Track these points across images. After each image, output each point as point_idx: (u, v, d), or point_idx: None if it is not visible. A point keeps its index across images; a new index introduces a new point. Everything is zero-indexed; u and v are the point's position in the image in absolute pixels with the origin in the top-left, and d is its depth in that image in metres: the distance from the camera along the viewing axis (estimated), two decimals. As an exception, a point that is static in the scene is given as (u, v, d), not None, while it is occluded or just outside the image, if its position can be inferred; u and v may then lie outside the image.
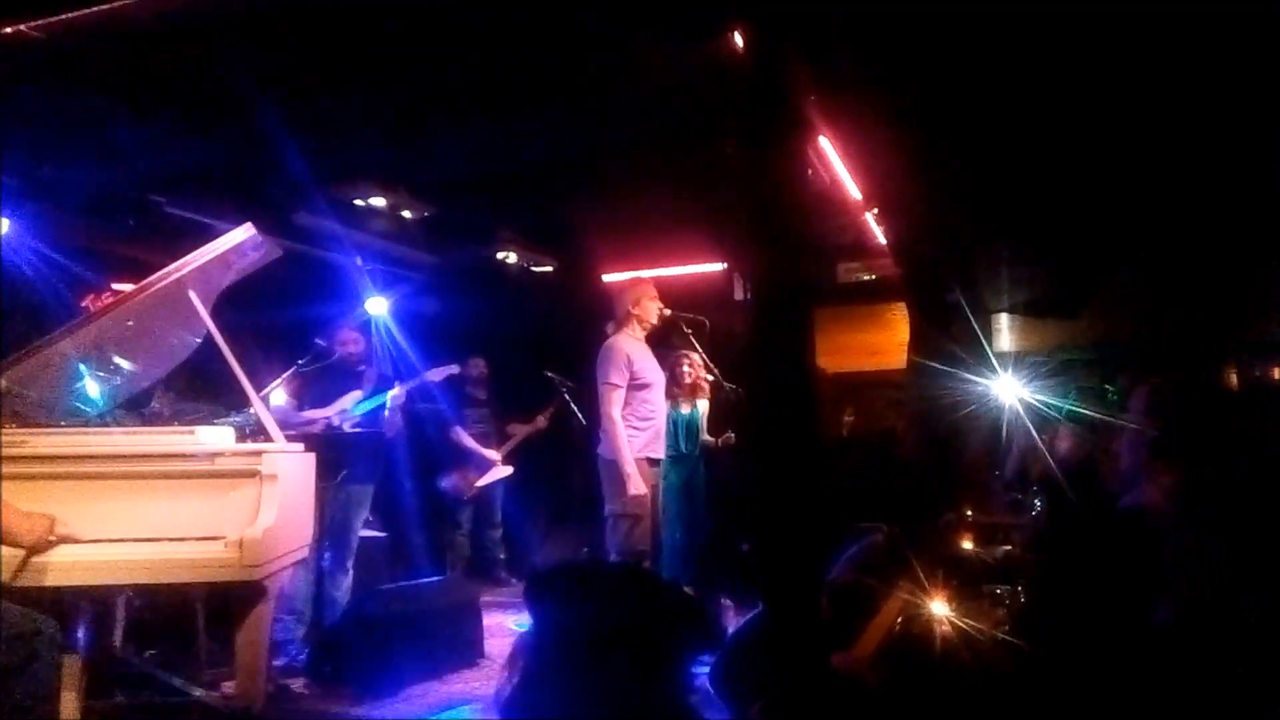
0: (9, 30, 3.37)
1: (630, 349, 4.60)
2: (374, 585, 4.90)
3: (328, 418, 4.79)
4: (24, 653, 2.55)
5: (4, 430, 3.06)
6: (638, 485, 4.40)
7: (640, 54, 3.89)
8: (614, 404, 4.48)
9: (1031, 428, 4.72)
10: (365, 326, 5.62)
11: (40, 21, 3.36)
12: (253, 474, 3.19)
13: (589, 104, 4.57)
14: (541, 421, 6.76)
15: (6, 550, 2.81)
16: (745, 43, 3.20)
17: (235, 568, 3.03)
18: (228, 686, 3.68)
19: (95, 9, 3.25)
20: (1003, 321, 6.79)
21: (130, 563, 2.99)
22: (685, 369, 5.57)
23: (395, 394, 5.08)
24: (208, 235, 3.74)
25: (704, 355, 5.13)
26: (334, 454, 4.40)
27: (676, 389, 5.49)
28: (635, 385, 4.57)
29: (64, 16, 3.31)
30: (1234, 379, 5.69)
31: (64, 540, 2.92)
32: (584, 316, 5.85)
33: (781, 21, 3.06)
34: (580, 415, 6.19)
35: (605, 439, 4.52)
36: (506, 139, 5.00)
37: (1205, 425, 2.42)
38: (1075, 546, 2.58)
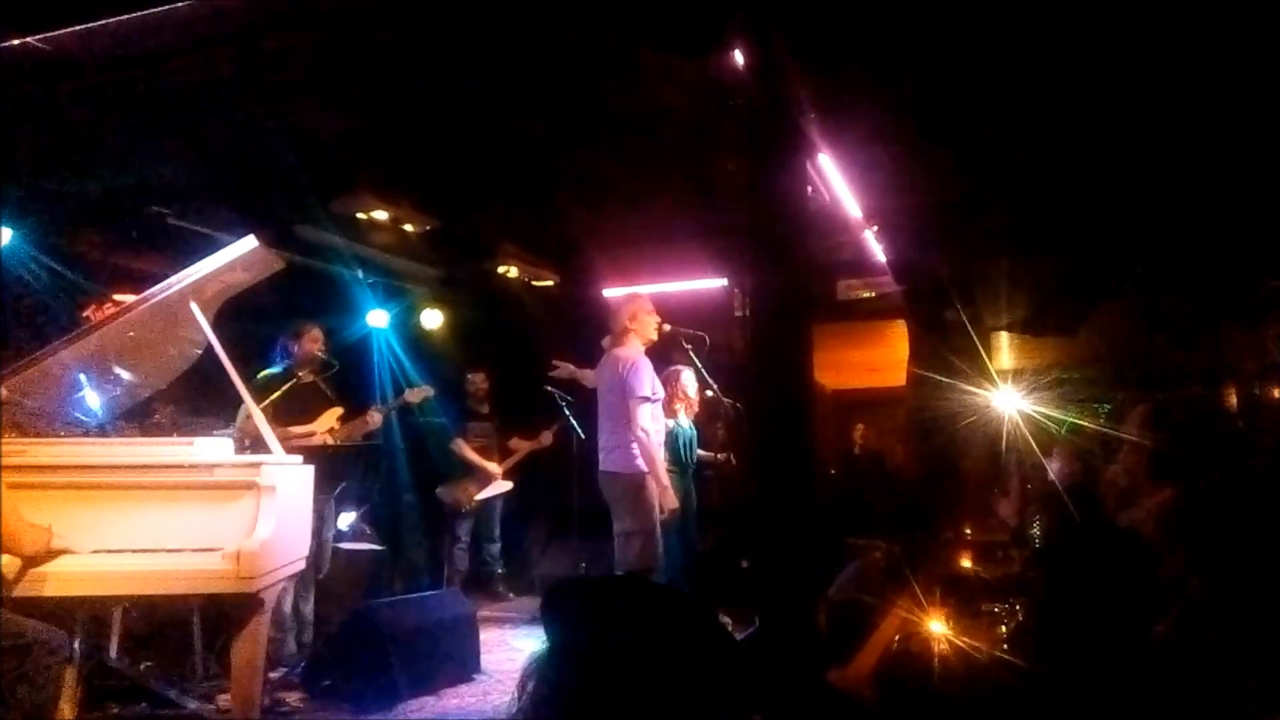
0: (14, 42, 3.39)
1: (647, 363, 4.62)
2: (371, 598, 4.89)
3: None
4: (30, 663, 2.54)
5: (4, 440, 3.06)
6: (672, 499, 4.46)
7: (643, 70, 3.91)
8: (643, 417, 4.46)
9: (1034, 444, 4.71)
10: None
11: (45, 34, 3.38)
12: (251, 486, 3.19)
13: (592, 119, 4.59)
14: (547, 438, 6.69)
15: (6, 559, 2.80)
16: (747, 59, 3.22)
17: (232, 579, 3.02)
18: (223, 699, 3.67)
19: (100, 22, 3.28)
20: (1003, 339, 6.80)
21: (127, 573, 2.99)
22: (674, 383, 5.54)
23: (373, 417, 5.08)
24: (210, 247, 3.76)
25: (703, 371, 5.13)
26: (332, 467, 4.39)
27: (673, 403, 5.48)
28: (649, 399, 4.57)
29: (69, 29, 3.34)
30: (1233, 398, 5.69)
31: (61, 552, 2.91)
32: (585, 331, 5.85)
33: (782, 38, 3.09)
34: (580, 430, 6.17)
35: (624, 453, 4.46)
36: (508, 152, 5.02)
37: (1204, 444, 2.42)
38: (1075, 564, 2.57)
